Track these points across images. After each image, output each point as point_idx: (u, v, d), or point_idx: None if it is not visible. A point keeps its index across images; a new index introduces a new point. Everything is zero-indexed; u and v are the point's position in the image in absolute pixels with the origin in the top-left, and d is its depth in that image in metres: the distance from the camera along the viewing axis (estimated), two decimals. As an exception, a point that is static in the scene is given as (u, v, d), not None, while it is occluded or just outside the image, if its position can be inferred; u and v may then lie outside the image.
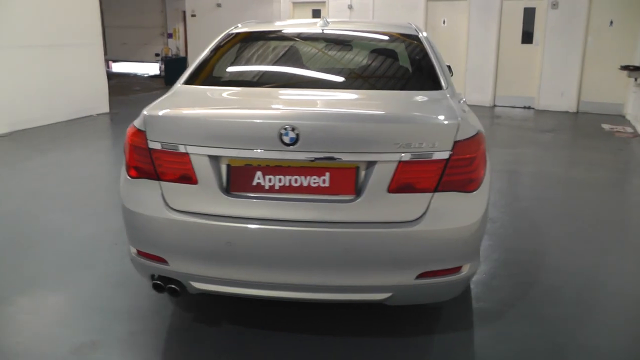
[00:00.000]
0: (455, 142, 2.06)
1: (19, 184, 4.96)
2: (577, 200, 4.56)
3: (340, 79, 2.75)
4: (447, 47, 10.20)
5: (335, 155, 2.03)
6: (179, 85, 2.64)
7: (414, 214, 2.05)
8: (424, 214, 2.05)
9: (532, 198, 4.61)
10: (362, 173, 2.05)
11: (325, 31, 3.05)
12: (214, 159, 2.12)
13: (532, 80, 9.44)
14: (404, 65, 2.88)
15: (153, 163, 2.21)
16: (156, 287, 2.31)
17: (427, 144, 2.02)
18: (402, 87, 2.69)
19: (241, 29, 3.14)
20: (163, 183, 2.21)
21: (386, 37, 3.13)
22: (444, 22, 10.21)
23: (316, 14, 12.24)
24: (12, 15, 7.05)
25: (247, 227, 2.09)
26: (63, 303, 2.83)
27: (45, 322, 2.65)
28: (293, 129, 2.01)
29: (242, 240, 2.10)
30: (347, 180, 2.06)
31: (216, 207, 2.14)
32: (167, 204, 2.20)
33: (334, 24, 3.19)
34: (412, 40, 2.97)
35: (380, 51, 2.98)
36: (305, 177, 2.07)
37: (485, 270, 3.15)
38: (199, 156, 2.13)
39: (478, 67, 9.86)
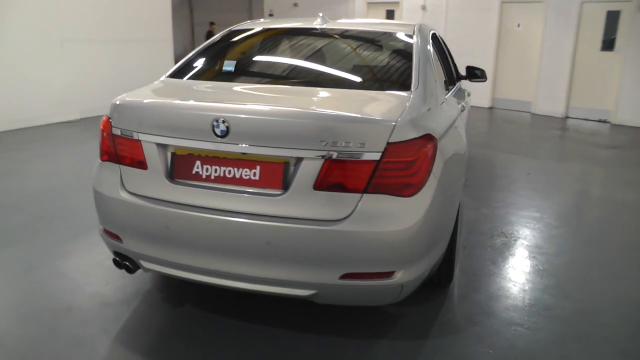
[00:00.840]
0: (389, 144, 2.00)
1: (68, 164, 5.46)
2: (606, 224, 4.15)
3: (308, 75, 2.78)
4: (520, 51, 9.70)
5: (264, 150, 2.07)
6: (162, 77, 2.80)
7: (339, 213, 2.03)
8: (351, 214, 2.02)
9: (556, 215, 4.28)
10: (291, 169, 2.06)
11: (315, 30, 3.06)
12: (162, 147, 2.25)
13: (609, 92, 8.67)
14: (378, 65, 2.82)
15: (115, 148, 2.38)
16: (115, 263, 2.48)
17: (355, 143, 1.99)
18: (364, 87, 2.64)
19: (238, 27, 3.25)
20: (122, 167, 2.37)
21: (374, 37, 3.08)
22: (518, 26, 9.69)
23: (390, 14, 12.14)
24: (87, 10, 7.76)
25: (182, 213, 2.18)
26: (60, 271, 3.10)
27: (35, 286, 2.93)
28: (224, 122, 2.07)
29: (178, 225, 2.20)
30: (276, 175, 2.08)
31: (160, 192, 2.26)
32: (123, 186, 2.36)
33: (331, 23, 3.20)
34: (400, 42, 2.91)
35: (361, 50, 2.95)
36: (238, 169, 2.13)
37: (466, 284, 3.00)
38: (149, 143, 2.26)
39: (551, 74, 9.25)
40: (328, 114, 2.09)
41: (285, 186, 2.07)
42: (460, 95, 3.97)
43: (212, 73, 2.85)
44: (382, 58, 2.85)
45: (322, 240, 2.02)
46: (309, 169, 2.03)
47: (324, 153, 2.00)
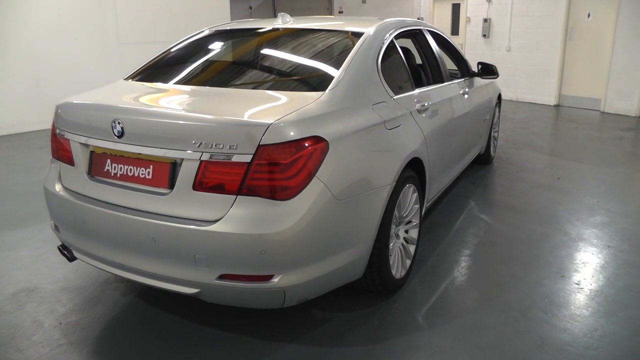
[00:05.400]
0: (260, 146, 1.99)
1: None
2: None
3: (230, 76, 2.82)
4: (590, 44, 8.88)
5: (153, 151, 2.16)
6: (119, 80, 2.99)
7: (215, 214, 2.06)
8: (224, 215, 2.04)
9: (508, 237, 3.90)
10: (177, 169, 2.13)
11: (265, 30, 3.09)
12: (84, 146, 2.42)
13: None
14: (307, 65, 2.79)
15: (57, 146, 2.60)
16: (60, 251, 2.70)
17: (226, 145, 2.01)
18: (277, 87, 2.63)
19: (203, 30, 3.36)
20: (61, 164, 2.59)
21: (320, 38, 3.02)
22: (588, 16, 8.85)
23: (455, 8, 11.69)
24: (144, 14, 8.34)
25: (93, 208, 2.33)
26: (36, 257, 3.43)
27: (15, 264, 3.27)
28: (119, 123, 2.19)
29: (91, 219, 2.35)
30: (163, 175, 2.16)
31: (81, 187, 2.44)
32: (60, 181, 2.58)
33: (290, 23, 3.21)
34: (342, 42, 2.85)
35: (298, 51, 2.92)
36: (137, 168, 2.24)
37: (411, 296, 2.86)
38: (75, 142, 2.45)
39: (624, 69, 8.35)
40: (200, 116, 2.12)
41: (171, 186, 2.15)
42: (452, 93, 3.78)
43: (154, 75, 2.97)
44: (315, 58, 2.81)
45: (198, 240, 2.06)
46: (188, 170, 2.09)
47: (199, 154, 2.05)
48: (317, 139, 2.10)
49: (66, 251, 2.62)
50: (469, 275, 3.11)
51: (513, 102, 10.05)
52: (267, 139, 2.00)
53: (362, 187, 2.34)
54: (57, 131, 2.57)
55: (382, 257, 2.58)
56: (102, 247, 2.36)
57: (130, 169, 2.26)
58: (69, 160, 2.50)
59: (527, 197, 4.53)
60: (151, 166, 2.20)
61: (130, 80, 2.94)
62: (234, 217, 2.03)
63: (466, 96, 4.07)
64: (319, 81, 2.55)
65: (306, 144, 2.06)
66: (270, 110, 2.19)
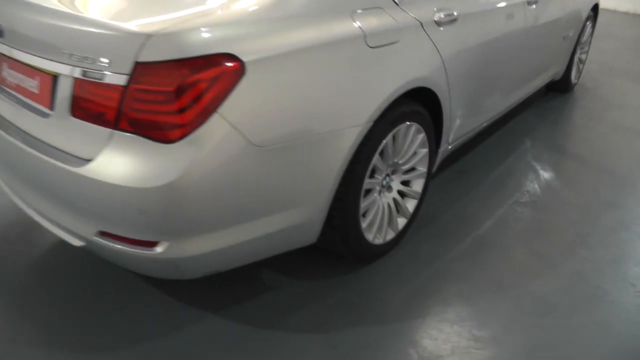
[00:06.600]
0: (138, 64, 1.38)
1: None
2: None
3: None
4: None
5: (34, 59, 1.63)
6: None
7: (89, 152, 1.52)
8: (98, 155, 1.50)
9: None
10: (58, 85, 1.58)
11: None
12: None
13: None
14: None
15: None
16: None
17: (97, 59, 1.44)
18: None
19: None
20: None
21: None
22: None
23: None
24: None
25: None
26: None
27: None
28: None
29: None
30: (47, 90, 1.64)
31: None
32: None
33: None
34: None
35: None
36: (27, 79, 1.74)
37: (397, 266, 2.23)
38: None
39: None
40: (73, 17, 1.52)
41: (52, 106, 1.63)
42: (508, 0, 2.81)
43: None
44: None
45: (69, 182, 1.56)
46: (65, 88, 1.56)
47: (71, 69, 1.51)
48: (226, 58, 1.43)
49: None
50: (484, 249, 2.37)
51: (629, 15, 8.22)
52: (148, 55, 1.37)
53: (308, 130, 1.65)
54: None
55: (349, 218, 1.94)
56: (5, 172, 1.95)
57: (23, 79, 1.75)
58: None
59: (604, 145, 3.54)
60: (38, 78, 1.67)
61: None
62: (106, 160, 1.48)
63: (534, 6, 3.03)
64: None
65: (207, 65, 1.40)
66: (173, 13, 1.51)
